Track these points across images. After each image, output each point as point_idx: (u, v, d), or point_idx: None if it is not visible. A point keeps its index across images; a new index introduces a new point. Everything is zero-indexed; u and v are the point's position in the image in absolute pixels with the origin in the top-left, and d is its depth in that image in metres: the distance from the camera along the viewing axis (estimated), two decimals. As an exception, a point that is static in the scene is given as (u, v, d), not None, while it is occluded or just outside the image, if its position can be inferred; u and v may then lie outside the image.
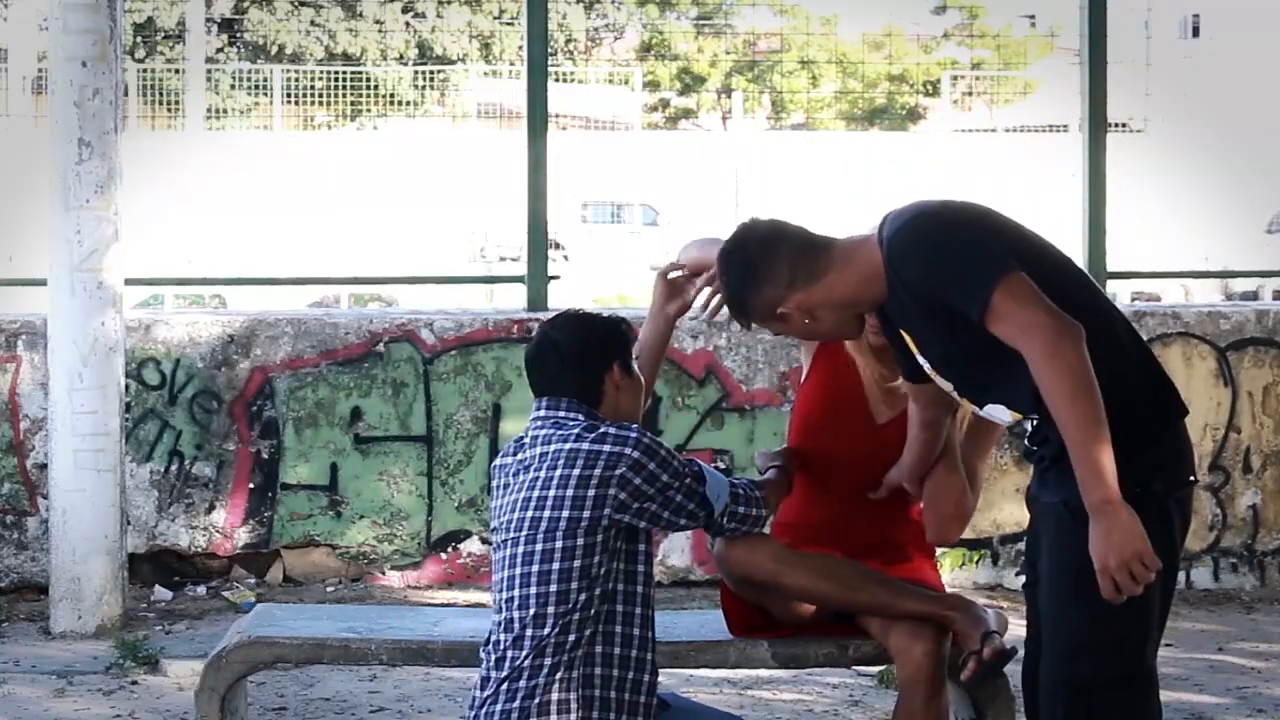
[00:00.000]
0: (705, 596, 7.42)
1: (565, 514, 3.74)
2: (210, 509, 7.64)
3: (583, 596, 3.72)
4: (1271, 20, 31.17)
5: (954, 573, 7.71)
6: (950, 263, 3.57)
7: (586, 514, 3.74)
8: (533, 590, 3.73)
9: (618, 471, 3.75)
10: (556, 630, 3.71)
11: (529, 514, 3.77)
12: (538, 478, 3.78)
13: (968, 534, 7.62)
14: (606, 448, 3.76)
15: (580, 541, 3.73)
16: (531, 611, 3.72)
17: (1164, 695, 6.11)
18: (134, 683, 6.30)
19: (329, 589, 7.63)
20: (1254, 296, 16.88)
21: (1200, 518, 7.80)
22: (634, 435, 3.80)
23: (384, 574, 7.71)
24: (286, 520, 7.67)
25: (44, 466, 7.31)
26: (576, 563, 3.73)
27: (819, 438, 4.45)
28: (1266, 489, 7.87)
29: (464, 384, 7.65)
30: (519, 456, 3.87)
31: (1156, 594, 3.62)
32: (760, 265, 3.79)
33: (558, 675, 3.71)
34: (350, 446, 7.66)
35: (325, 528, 7.69)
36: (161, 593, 7.57)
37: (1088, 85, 7.97)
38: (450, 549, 7.68)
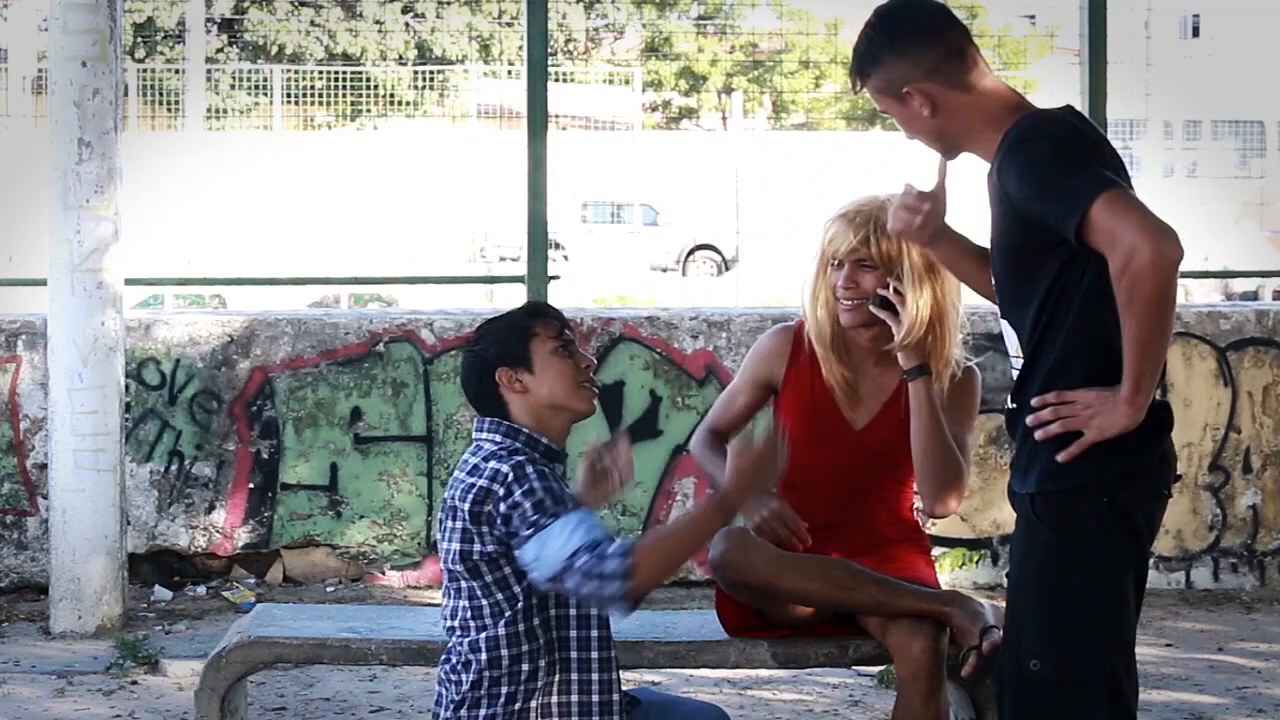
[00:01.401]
0: (705, 597, 7.41)
1: (466, 548, 3.69)
2: (210, 509, 7.64)
3: (522, 626, 3.68)
4: (1271, 20, 31.17)
5: (954, 573, 7.70)
6: (1057, 179, 3.48)
7: (477, 548, 3.68)
8: (471, 627, 3.71)
9: (485, 508, 3.66)
10: (508, 662, 3.68)
11: (452, 546, 3.73)
12: (450, 506, 3.75)
13: (967, 534, 7.63)
14: (479, 481, 3.68)
15: (489, 578, 3.68)
16: (484, 656, 3.68)
17: (1164, 695, 6.14)
18: (134, 683, 6.30)
19: (329, 589, 7.63)
20: (1254, 296, 16.89)
21: (1200, 518, 7.82)
22: (504, 468, 3.67)
23: (384, 574, 7.71)
24: (286, 520, 7.67)
25: (44, 466, 7.31)
26: (500, 595, 3.68)
27: (802, 451, 4.42)
28: (1266, 489, 7.87)
29: (464, 384, 7.63)
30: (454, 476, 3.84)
31: (1120, 603, 3.57)
32: (918, 36, 3.67)
33: (517, 705, 3.68)
34: (350, 446, 7.66)
35: (325, 528, 7.69)
36: (161, 593, 7.57)
37: (1088, 85, 7.97)
38: (450, 549, 7.67)
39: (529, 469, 3.67)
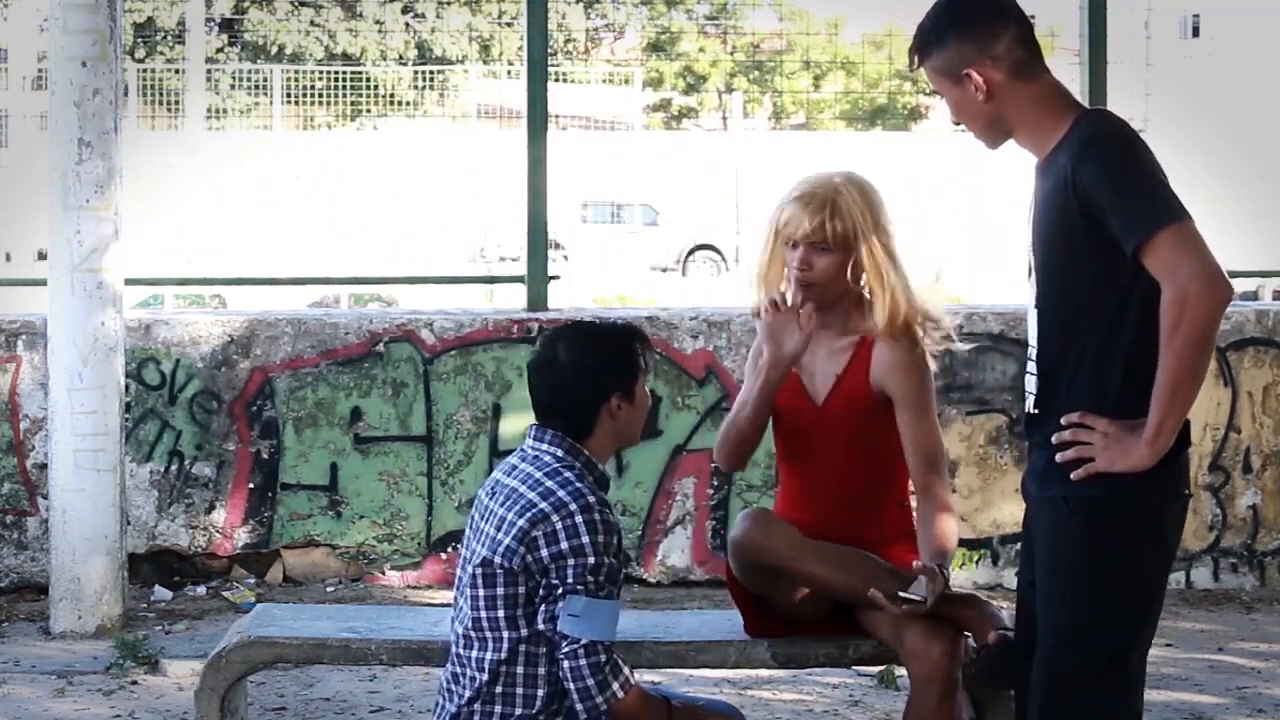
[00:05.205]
0: (705, 596, 7.42)
1: (502, 561, 3.69)
2: (210, 509, 7.63)
3: (525, 638, 3.70)
4: (1271, 20, 31.17)
5: (954, 573, 7.70)
6: (1135, 187, 3.49)
7: (517, 564, 3.69)
8: (475, 641, 3.72)
9: (535, 531, 3.66)
10: (504, 679, 3.71)
11: (484, 552, 3.73)
12: (496, 513, 3.74)
13: (968, 534, 7.62)
14: (542, 505, 3.67)
15: (521, 589, 3.69)
16: (484, 672, 3.71)
17: (1164, 695, 6.13)
18: (134, 683, 6.30)
19: (329, 589, 7.63)
20: (1254, 296, 16.88)
21: (1200, 518, 7.81)
22: (574, 504, 3.67)
23: (384, 574, 7.71)
24: (286, 520, 7.67)
25: (44, 466, 7.31)
26: (519, 610, 3.69)
27: (784, 439, 4.45)
28: (1266, 489, 7.87)
29: (464, 384, 7.64)
30: (499, 480, 3.81)
31: (1148, 601, 3.62)
32: (985, 21, 3.66)
33: (512, 706, 3.72)
34: (350, 446, 7.66)
35: (325, 528, 7.69)
36: (161, 593, 7.57)
37: (1088, 85, 7.97)
38: (450, 549, 7.67)
39: (600, 518, 3.66)
